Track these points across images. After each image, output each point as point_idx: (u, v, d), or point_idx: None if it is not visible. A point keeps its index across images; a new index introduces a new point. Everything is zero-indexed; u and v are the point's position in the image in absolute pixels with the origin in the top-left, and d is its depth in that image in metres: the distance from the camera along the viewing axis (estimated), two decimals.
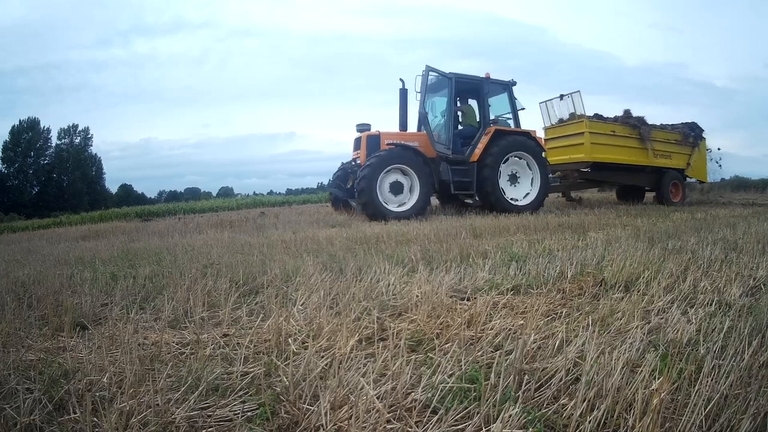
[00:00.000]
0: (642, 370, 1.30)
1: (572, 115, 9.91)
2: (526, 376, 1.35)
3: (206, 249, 4.31)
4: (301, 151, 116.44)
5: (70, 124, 43.72)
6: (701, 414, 1.11)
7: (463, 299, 2.24)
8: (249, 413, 1.25)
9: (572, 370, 1.39)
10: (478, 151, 8.12)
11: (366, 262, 3.06)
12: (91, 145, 44.93)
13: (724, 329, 1.62)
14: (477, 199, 8.65)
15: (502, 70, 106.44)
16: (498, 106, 8.91)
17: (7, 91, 60.30)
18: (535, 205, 8.50)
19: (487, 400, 1.19)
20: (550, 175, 10.37)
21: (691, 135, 10.85)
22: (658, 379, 1.22)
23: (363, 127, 8.30)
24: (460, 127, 8.74)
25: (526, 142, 8.52)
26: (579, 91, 9.71)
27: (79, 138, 43.91)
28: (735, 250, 3.29)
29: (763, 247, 3.32)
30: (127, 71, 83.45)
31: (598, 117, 9.95)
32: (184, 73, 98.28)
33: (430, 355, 1.57)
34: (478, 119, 8.74)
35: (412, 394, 1.27)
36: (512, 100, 8.78)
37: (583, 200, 10.83)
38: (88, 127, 44.24)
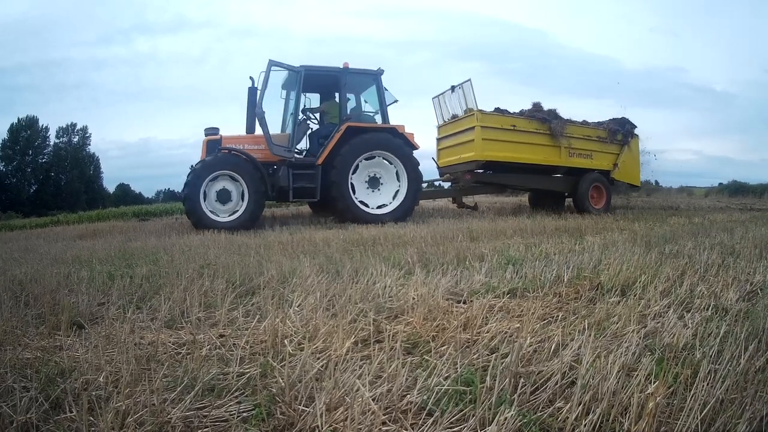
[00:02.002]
0: (638, 374, 1.30)
1: (467, 110, 8.48)
2: (522, 379, 1.36)
3: (203, 249, 4.31)
4: None
5: (69, 123, 43.47)
6: (697, 418, 1.12)
7: (459, 302, 2.25)
8: (245, 414, 1.25)
9: (568, 373, 1.39)
10: (325, 152, 7.15)
11: (362, 264, 3.06)
12: (89, 144, 44.69)
13: (721, 334, 1.63)
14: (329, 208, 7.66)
15: (502, 73, 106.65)
16: (371, 100, 7.93)
17: (7, 88, 59.84)
18: (400, 214, 7.32)
19: (482, 403, 1.19)
20: (438, 180, 9.33)
21: (619, 132, 9.16)
22: (654, 383, 1.23)
23: (210, 132, 7.49)
24: (332, 125, 7.68)
25: (389, 141, 7.35)
26: (470, 80, 8.36)
27: (77, 137, 43.70)
28: (732, 254, 3.30)
29: (760, 252, 3.33)
30: (127, 70, 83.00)
31: (498, 111, 8.51)
32: (184, 72, 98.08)
33: (426, 357, 1.57)
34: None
35: (408, 396, 1.27)
36: (381, 92, 7.69)
37: (478, 207, 9.24)
38: (86, 126, 43.79)
